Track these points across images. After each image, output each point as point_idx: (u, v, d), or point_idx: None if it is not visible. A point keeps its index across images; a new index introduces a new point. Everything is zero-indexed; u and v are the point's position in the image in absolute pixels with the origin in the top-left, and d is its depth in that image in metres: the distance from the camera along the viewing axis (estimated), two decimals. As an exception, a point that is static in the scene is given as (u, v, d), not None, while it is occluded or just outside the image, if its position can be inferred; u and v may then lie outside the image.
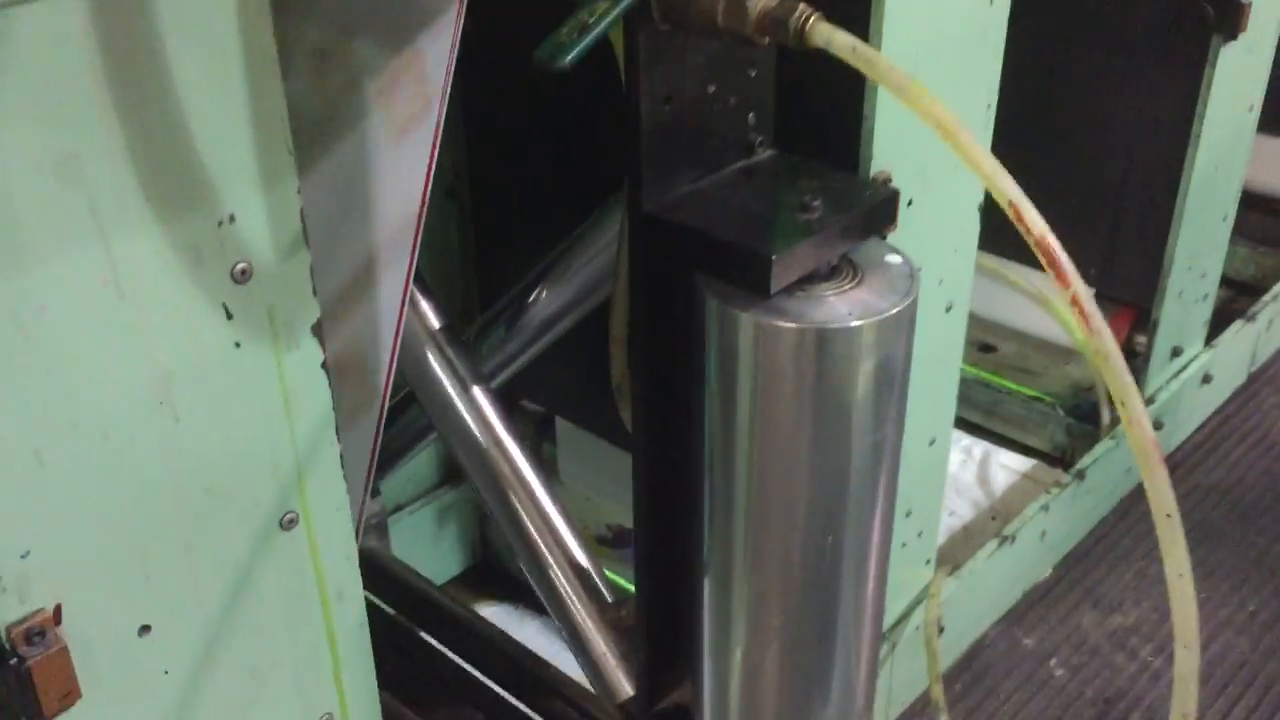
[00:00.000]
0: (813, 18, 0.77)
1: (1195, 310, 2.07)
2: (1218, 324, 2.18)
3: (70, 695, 0.72)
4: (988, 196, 1.11)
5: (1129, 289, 2.01)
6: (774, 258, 0.82)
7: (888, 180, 1.06)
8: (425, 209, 0.90)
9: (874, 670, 1.04)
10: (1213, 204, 1.94)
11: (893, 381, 0.89)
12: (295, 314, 0.78)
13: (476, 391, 1.16)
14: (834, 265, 0.89)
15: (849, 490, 0.92)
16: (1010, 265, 1.98)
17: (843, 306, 0.86)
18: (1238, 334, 2.24)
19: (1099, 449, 1.94)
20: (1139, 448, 0.77)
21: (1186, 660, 0.83)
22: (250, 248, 0.74)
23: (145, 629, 0.76)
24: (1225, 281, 2.21)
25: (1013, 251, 1.68)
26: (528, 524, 1.15)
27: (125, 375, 0.70)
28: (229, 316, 0.74)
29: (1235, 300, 2.51)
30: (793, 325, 0.85)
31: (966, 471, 2.11)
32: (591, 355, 1.18)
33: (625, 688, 1.15)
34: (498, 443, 1.15)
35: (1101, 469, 1.94)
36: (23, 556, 0.69)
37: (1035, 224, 0.75)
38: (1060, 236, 0.79)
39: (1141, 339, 2.02)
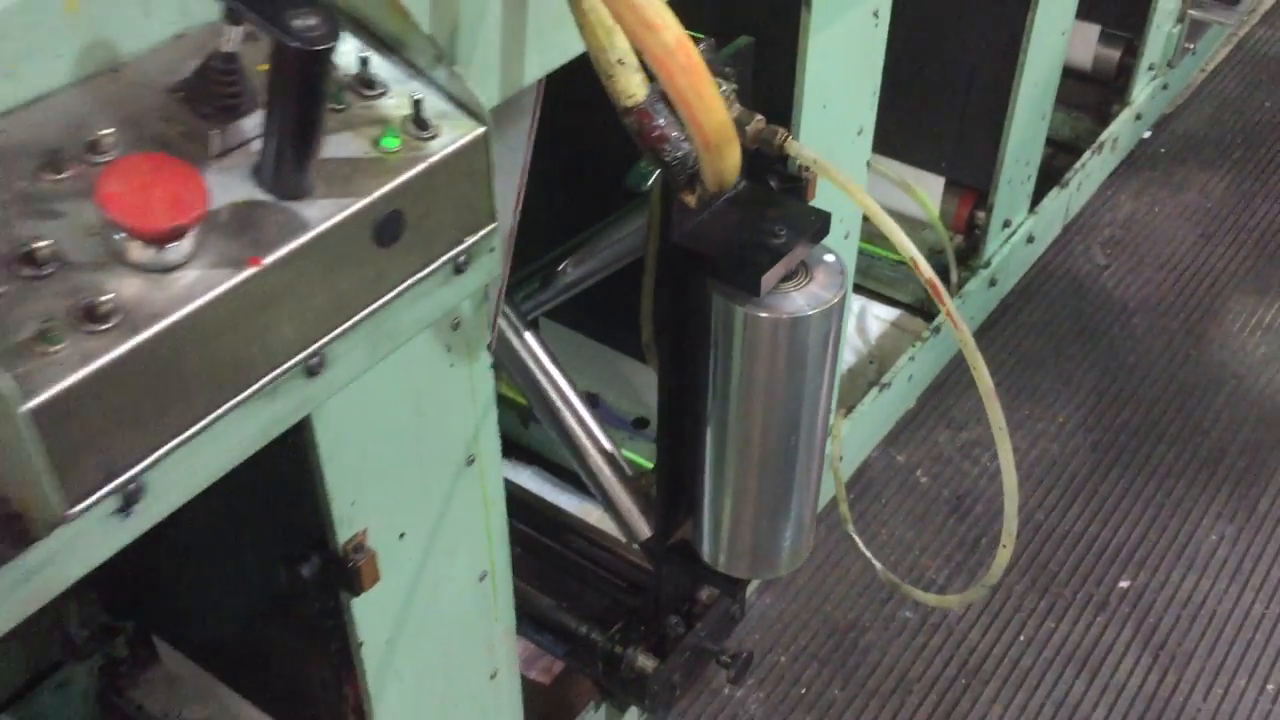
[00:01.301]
0: (788, 137, 1.25)
1: (1021, 189, 2.63)
2: (1038, 192, 2.75)
3: (376, 579, 1.22)
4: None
5: (972, 175, 2.55)
6: (762, 277, 1.32)
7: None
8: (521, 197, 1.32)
9: (815, 502, 1.60)
10: (1035, 111, 2.48)
11: (832, 341, 1.41)
12: (479, 330, 1.24)
13: (528, 336, 1.64)
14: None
15: (803, 411, 1.45)
16: (880, 160, 2.49)
17: (801, 300, 1.36)
18: (1054, 199, 2.82)
19: (950, 302, 2.52)
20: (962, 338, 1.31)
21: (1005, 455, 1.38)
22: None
23: (402, 535, 1.26)
24: (1046, 142, 2.72)
25: (882, 148, 2.17)
26: (573, 426, 1.66)
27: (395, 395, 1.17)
28: (448, 349, 1.21)
29: (1055, 157, 3.06)
30: (771, 316, 1.35)
31: (849, 324, 2.68)
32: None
33: (645, 530, 1.69)
34: (547, 373, 1.64)
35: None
36: (352, 504, 1.17)
37: (924, 270, 1.26)
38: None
39: (981, 214, 2.58)
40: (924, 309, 2.68)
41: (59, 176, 0.69)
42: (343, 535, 1.18)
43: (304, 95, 0.69)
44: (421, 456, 1.23)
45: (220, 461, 0.78)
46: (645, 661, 1.76)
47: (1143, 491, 2.36)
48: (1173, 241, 2.96)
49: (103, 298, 0.65)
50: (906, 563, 2.23)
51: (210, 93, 0.72)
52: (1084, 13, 2.55)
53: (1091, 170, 3.01)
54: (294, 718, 1.59)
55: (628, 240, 1.62)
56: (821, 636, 2.12)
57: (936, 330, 2.47)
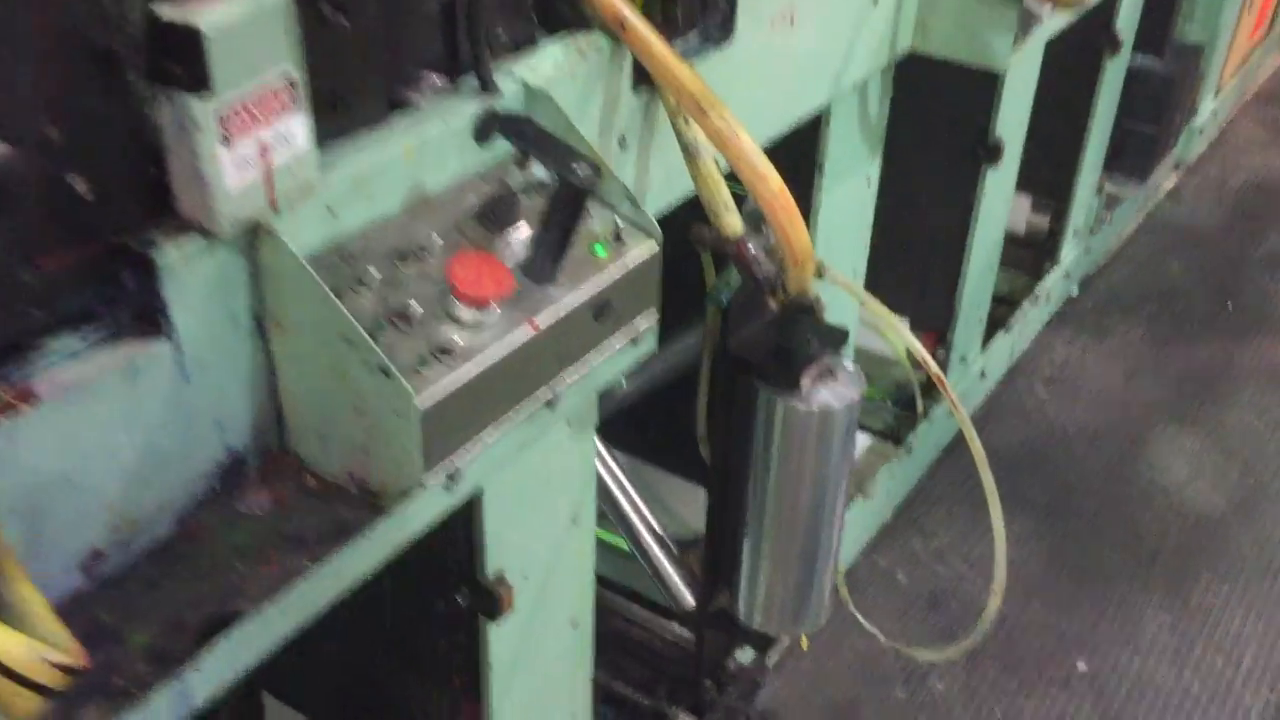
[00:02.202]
0: (827, 267, 1.64)
1: (974, 330, 3.06)
2: (988, 334, 3.19)
3: (511, 608, 1.53)
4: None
5: (933, 320, 2.98)
6: (802, 380, 1.69)
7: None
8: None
9: (835, 570, 1.93)
10: (985, 265, 2.93)
11: (851, 431, 1.78)
12: (591, 412, 1.59)
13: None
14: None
15: (828, 489, 1.80)
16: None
17: (829, 396, 1.73)
18: (1001, 340, 3.26)
19: (919, 428, 2.92)
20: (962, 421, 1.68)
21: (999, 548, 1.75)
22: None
23: (526, 577, 1.57)
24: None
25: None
26: (626, 508, 2.00)
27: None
28: (569, 424, 1.55)
29: (996, 310, 3.51)
30: (806, 408, 1.72)
31: (829, 448, 3.05)
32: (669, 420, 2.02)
33: (689, 600, 2.01)
34: (604, 461, 1.99)
35: (920, 441, 2.92)
36: (499, 546, 1.49)
37: (932, 366, 1.64)
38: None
39: (941, 352, 3.00)
40: (894, 435, 3.06)
41: (408, 269, 1.05)
42: (491, 571, 1.50)
43: (571, 217, 1.06)
44: (544, 510, 1.56)
45: (503, 454, 1.12)
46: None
47: (1092, 588, 2.72)
48: (1103, 379, 3.40)
49: (454, 338, 1.00)
50: (892, 652, 2.55)
51: (496, 214, 1.09)
52: (1019, 185, 3.04)
53: (1030, 319, 3.47)
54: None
55: (679, 355, 1.99)
56: (826, 713, 2.42)
57: (908, 449, 2.86)
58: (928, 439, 2.96)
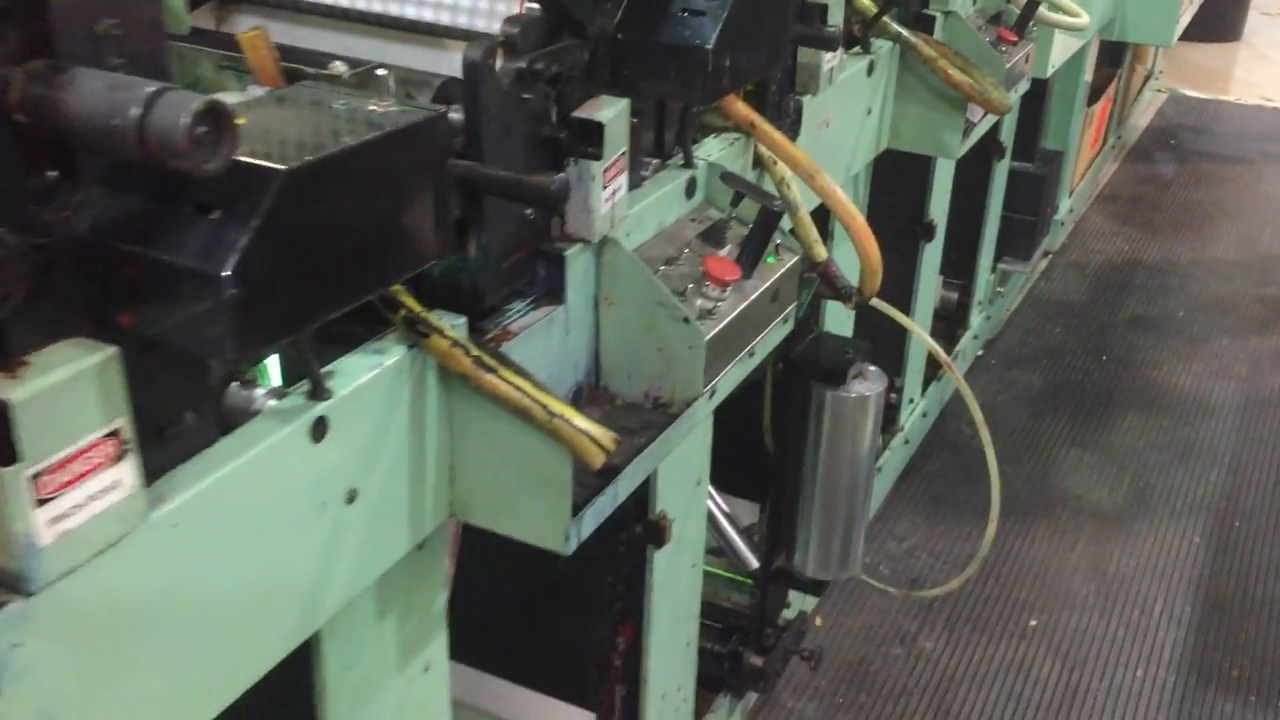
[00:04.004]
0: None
1: (917, 378, 3.80)
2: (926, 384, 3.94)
3: (670, 539, 2.16)
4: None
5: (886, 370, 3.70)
6: (849, 377, 2.37)
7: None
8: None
9: (865, 527, 2.59)
10: (923, 326, 3.69)
11: (879, 414, 2.46)
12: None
13: (675, 441, 2.62)
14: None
15: (862, 461, 2.47)
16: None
17: (863, 388, 2.42)
18: (933, 388, 4.02)
19: (884, 456, 3.61)
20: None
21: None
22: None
23: (674, 519, 2.19)
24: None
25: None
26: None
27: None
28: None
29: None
30: (849, 395, 2.40)
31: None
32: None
33: (754, 562, 2.64)
34: (690, 462, 2.62)
35: (886, 465, 3.62)
36: (662, 488, 2.12)
37: (930, 343, 2.35)
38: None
39: (894, 395, 3.72)
40: (861, 465, 3.75)
41: (670, 269, 1.71)
42: (656, 510, 2.12)
43: (768, 232, 1.73)
44: (687, 466, 2.20)
45: (730, 384, 1.76)
46: (755, 660, 2.66)
47: (1032, 570, 3.43)
48: (1014, 418, 4.17)
49: (710, 307, 1.66)
50: (890, 618, 3.20)
51: (713, 237, 1.76)
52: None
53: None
54: (559, 683, 2.40)
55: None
56: (846, 669, 3.04)
57: (879, 471, 3.55)
58: (888, 464, 3.66)
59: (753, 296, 1.74)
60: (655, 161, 1.84)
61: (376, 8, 1.59)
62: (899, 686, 3.00)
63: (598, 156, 1.52)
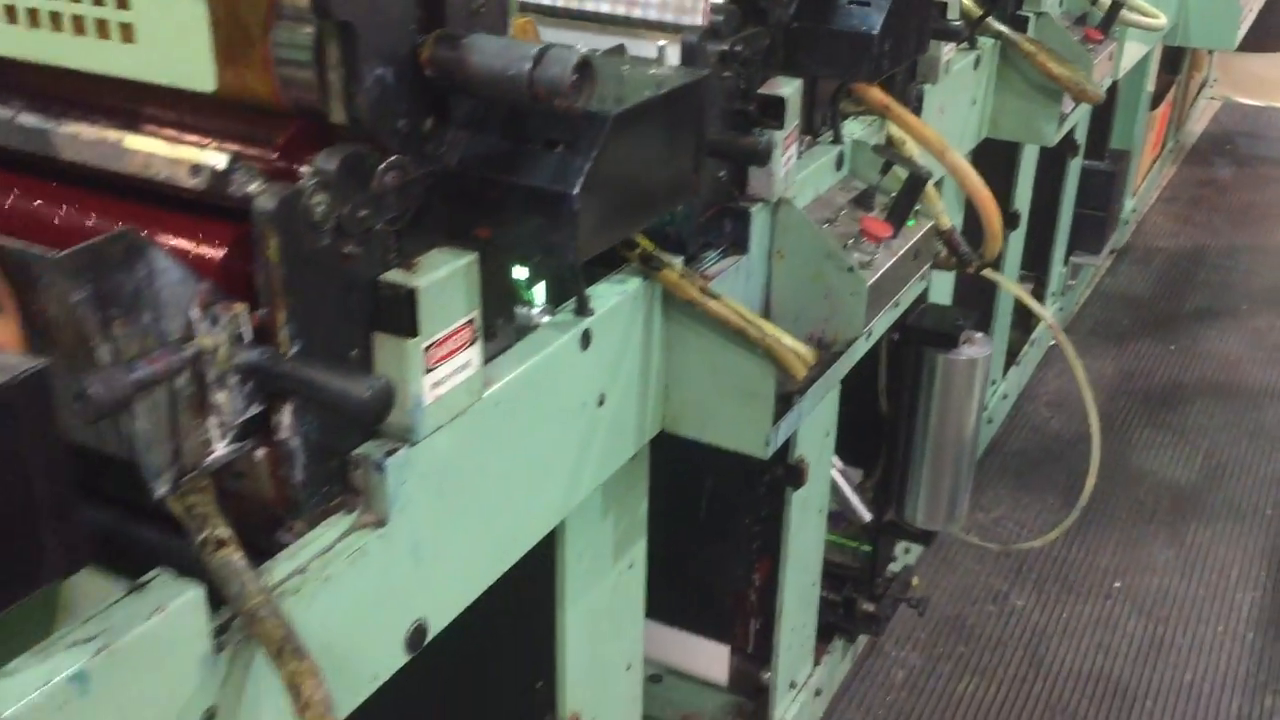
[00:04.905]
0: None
1: (999, 361, 4.03)
2: (1005, 367, 4.16)
3: (807, 481, 2.41)
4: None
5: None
6: (960, 342, 2.62)
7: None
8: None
9: (971, 481, 2.83)
10: (1004, 316, 3.92)
11: (986, 376, 2.70)
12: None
13: (795, 404, 2.88)
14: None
15: (970, 419, 2.72)
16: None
17: (974, 351, 2.66)
18: (1013, 373, 4.24)
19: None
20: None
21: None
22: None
23: (810, 464, 2.44)
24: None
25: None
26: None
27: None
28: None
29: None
30: (960, 359, 2.64)
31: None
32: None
33: (867, 516, 2.88)
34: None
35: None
36: (804, 438, 2.37)
37: (1037, 308, 2.59)
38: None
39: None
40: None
41: (829, 229, 1.96)
42: (796, 455, 2.37)
43: (914, 198, 1.99)
44: (820, 416, 2.45)
45: (881, 329, 2.02)
46: (867, 605, 2.90)
47: (1114, 537, 3.65)
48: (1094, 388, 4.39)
49: (867, 259, 1.91)
50: (982, 579, 3.43)
51: (863, 201, 2.02)
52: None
53: (1027, 360, 4.47)
54: (698, 618, 2.65)
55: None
56: (944, 624, 3.28)
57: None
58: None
59: (900, 253, 2.00)
60: (807, 138, 2.10)
61: (589, 6, 1.86)
62: (994, 638, 3.23)
63: (779, 127, 1.78)
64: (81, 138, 1.14)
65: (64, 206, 1.09)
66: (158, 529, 1.10)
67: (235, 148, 1.11)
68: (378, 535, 1.18)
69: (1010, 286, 2.67)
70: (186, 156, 1.11)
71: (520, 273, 1.44)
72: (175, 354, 1.00)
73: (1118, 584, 3.46)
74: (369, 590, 1.18)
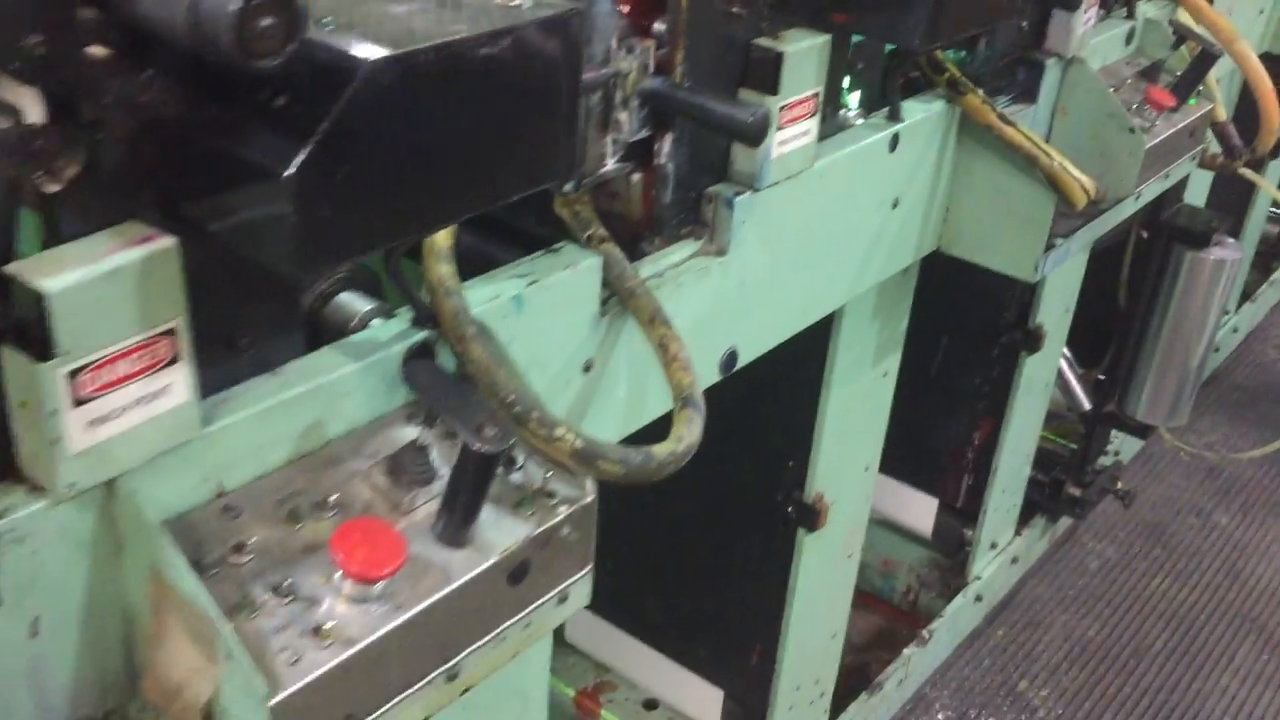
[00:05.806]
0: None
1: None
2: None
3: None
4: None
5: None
6: (1211, 243, 2.68)
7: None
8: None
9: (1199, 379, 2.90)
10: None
11: (1231, 280, 2.76)
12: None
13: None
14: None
15: (1209, 319, 2.78)
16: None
17: (1224, 253, 2.72)
18: (1250, 307, 4.21)
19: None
20: None
21: None
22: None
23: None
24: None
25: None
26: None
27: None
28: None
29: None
30: (1209, 258, 2.70)
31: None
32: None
33: (1087, 404, 2.99)
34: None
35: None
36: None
37: None
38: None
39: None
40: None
41: (1116, 91, 2.07)
42: (1035, 322, 2.50)
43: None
44: (1061, 283, 2.56)
45: (1150, 195, 2.12)
46: (1074, 489, 3.02)
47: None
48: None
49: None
50: (1187, 493, 3.50)
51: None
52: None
53: (1268, 294, 4.41)
54: (911, 471, 2.82)
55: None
56: (1143, 528, 3.37)
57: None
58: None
59: (1179, 125, 2.10)
60: (1100, 10, 2.21)
61: None
62: (1192, 547, 3.31)
63: (1081, -14, 1.90)
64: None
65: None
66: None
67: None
68: (719, 262, 1.41)
69: (1268, 187, 2.70)
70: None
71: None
72: (599, 71, 1.23)
73: None
74: (704, 308, 1.41)
